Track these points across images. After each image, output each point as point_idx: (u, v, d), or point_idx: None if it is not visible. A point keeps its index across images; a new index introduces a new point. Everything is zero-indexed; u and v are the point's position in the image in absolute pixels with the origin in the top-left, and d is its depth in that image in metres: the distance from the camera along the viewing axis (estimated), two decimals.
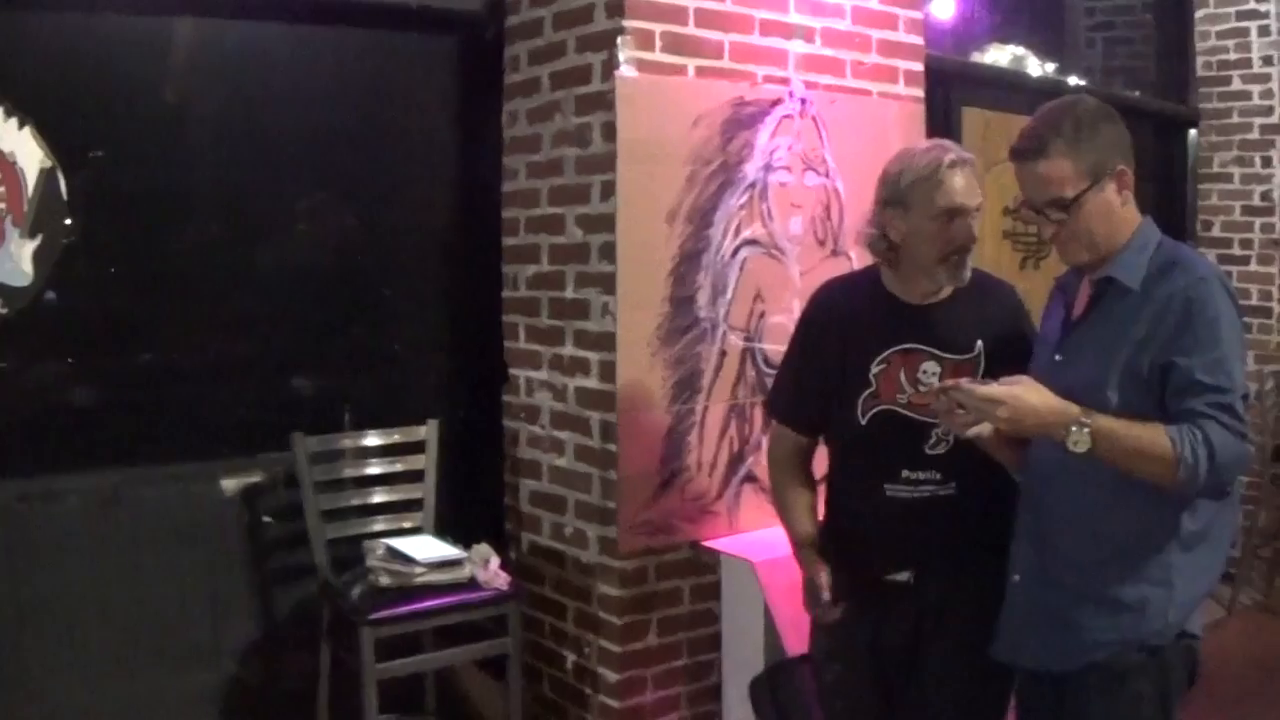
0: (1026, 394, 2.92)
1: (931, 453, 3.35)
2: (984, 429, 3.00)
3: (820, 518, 3.59)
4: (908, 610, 3.42)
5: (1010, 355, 3.34)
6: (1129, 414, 2.87)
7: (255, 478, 4.65)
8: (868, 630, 3.46)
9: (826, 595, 3.37)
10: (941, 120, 5.97)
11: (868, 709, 3.52)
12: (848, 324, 3.48)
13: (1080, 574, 3.04)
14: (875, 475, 3.42)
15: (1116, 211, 3.00)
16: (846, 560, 3.46)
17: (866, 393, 3.40)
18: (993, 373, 3.27)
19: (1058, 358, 3.12)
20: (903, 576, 3.41)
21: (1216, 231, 8.06)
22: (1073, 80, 7.32)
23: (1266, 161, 7.84)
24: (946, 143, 3.42)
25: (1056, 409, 2.90)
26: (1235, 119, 7.95)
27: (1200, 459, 2.76)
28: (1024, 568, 3.18)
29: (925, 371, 3.38)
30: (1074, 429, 2.85)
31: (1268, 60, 7.78)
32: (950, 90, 6.17)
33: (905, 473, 3.39)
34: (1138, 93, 8.07)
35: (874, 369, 3.40)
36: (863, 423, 3.42)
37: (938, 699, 3.42)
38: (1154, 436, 2.80)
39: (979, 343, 3.42)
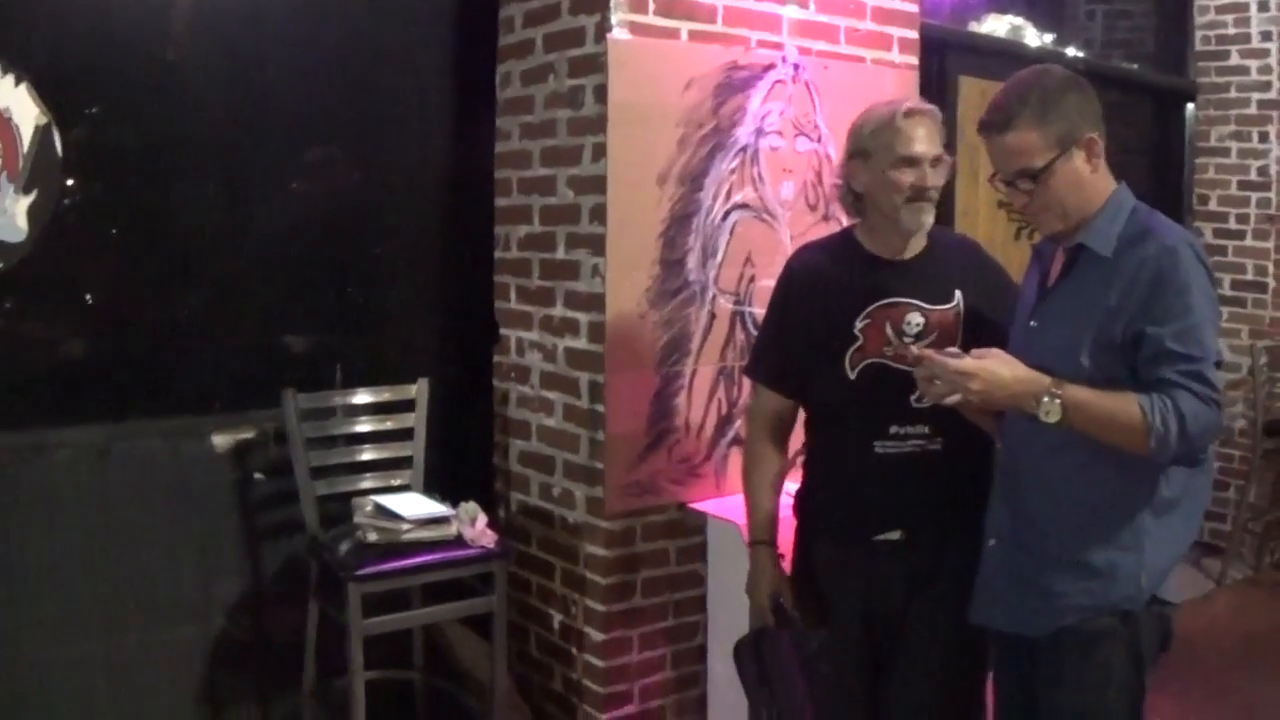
0: (998, 367, 2.96)
1: (919, 406, 3.37)
2: (958, 396, 3.03)
3: (779, 502, 3.68)
4: (898, 570, 3.46)
5: (986, 302, 3.49)
6: (1102, 380, 2.90)
7: (246, 434, 4.68)
8: (857, 593, 3.49)
9: (795, 614, 3.54)
10: (937, 89, 5.99)
11: (854, 674, 3.55)
12: (828, 283, 3.53)
13: (1052, 539, 3.07)
14: (865, 432, 3.45)
15: (1086, 180, 3.01)
16: (835, 522, 3.54)
17: (854, 347, 3.45)
18: (972, 321, 3.45)
19: (1033, 324, 3.14)
20: (894, 535, 3.45)
21: (1213, 205, 8.09)
22: (1070, 52, 7.32)
23: (1264, 137, 7.89)
24: (910, 97, 3.52)
25: (1027, 380, 2.94)
26: (1233, 94, 7.99)
27: (1171, 428, 2.79)
28: (998, 531, 3.21)
29: (910, 323, 3.45)
30: (1045, 399, 2.89)
31: (1266, 35, 7.82)
32: (946, 59, 6.22)
33: (894, 428, 3.43)
34: (1136, 66, 8.07)
35: (859, 324, 3.45)
36: (852, 377, 3.46)
37: (925, 659, 3.46)
38: (1125, 406, 2.84)
39: (957, 293, 3.50)
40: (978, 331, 3.36)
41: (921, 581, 3.45)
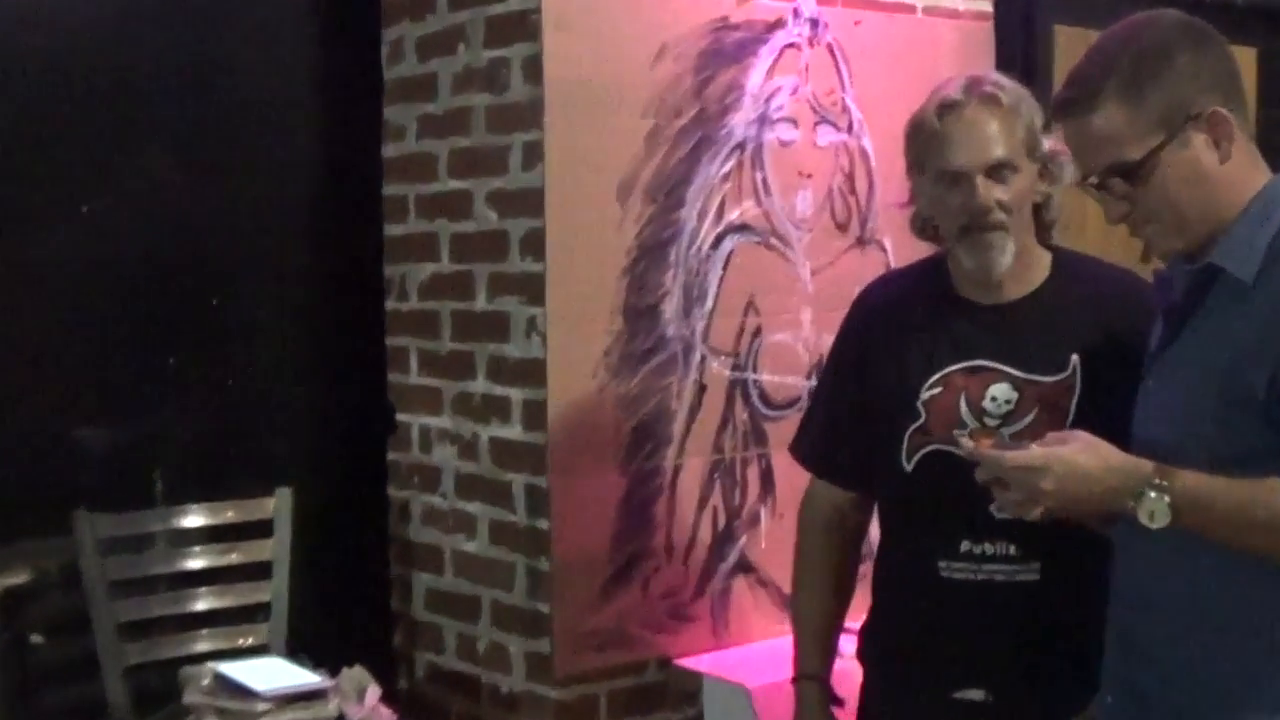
0: (1076, 456, 2.52)
1: (1002, 516, 2.81)
2: (1039, 508, 2.59)
3: (838, 624, 3.28)
4: None
5: (1121, 376, 2.84)
6: (1237, 454, 2.45)
7: (17, 578, 4.11)
8: None
9: None
10: (1022, 45, 5.41)
11: None
12: (896, 333, 3.12)
13: (1180, 689, 2.60)
14: (927, 548, 3.00)
15: (1211, 173, 2.49)
16: (900, 671, 3.14)
17: (913, 426, 3.00)
18: (1093, 401, 2.93)
19: (1150, 383, 2.70)
20: (975, 695, 2.98)
21: None
22: None
23: None
24: (970, 76, 3.03)
25: (1120, 471, 2.49)
26: None
27: None
28: (1113, 681, 2.76)
29: (994, 399, 2.95)
30: (1151, 495, 2.43)
31: None
32: (1036, 2, 5.62)
33: (966, 544, 2.94)
34: None
35: (925, 394, 3.00)
36: (908, 469, 3.01)
37: None
38: (1269, 498, 2.39)
39: (1074, 359, 2.96)
40: (1102, 418, 2.71)
41: None
